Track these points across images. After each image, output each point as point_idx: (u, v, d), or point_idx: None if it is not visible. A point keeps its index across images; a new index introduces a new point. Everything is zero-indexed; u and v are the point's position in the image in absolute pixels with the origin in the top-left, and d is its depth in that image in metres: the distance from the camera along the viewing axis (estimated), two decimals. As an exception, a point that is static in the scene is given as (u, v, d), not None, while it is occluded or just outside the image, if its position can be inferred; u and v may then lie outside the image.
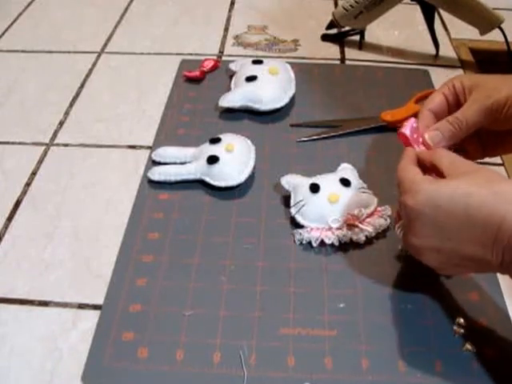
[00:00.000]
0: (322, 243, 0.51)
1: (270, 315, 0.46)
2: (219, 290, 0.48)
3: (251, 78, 0.66)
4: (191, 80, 0.72)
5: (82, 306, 0.48)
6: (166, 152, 0.60)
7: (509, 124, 0.46)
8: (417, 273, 0.49)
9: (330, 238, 0.51)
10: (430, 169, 0.44)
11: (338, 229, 0.51)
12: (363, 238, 0.51)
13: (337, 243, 0.51)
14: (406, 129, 0.46)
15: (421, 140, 0.46)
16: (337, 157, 0.60)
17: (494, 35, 0.74)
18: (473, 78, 0.48)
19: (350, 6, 0.75)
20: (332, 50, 0.80)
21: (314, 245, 0.51)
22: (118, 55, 0.79)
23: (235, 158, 0.57)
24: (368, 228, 0.50)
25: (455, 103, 0.47)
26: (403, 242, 0.44)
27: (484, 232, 0.37)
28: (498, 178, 0.39)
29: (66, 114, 0.68)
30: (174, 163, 0.59)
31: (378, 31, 0.83)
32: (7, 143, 0.64)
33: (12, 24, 0.87)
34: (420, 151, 0.45)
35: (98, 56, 0.79)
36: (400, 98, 0.66)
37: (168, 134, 0.64)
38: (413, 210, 0.40)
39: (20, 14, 0.89)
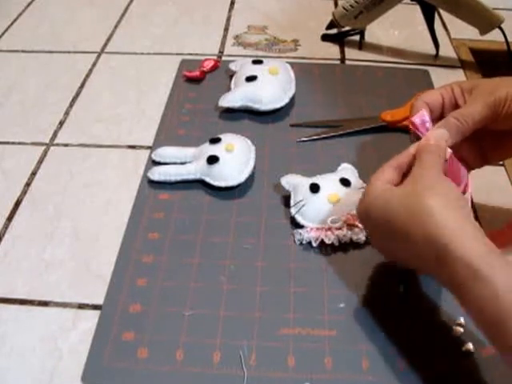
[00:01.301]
0: (322, 243, 0.51)
1: (270, 315, 0.46)
2: (219, 290, 0.48)
3: (251, 78, 0.66)
4: (191, 80, 0.72)
5: (81, 306, 0.48)
6: (166, 152, 0.60)
7: (509, 122, 0.46)
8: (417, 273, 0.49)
9: (330, 238, 0.51)
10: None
11: (337, 229, 0.51)
12: (363, 238, 0.51)
13: (337, 243, 0.51)
14: (416, 118, 0.46)
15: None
16: (337, 157, 0.60)
17: (494, 35, 0.74)
18: (471, 81, 0.49)
19: (350, 5, 0.75)
20: (332, 50, 0.80)
21: (314, 245, 0.51)
22: (118, 55, 0.79)
23: (235, 157, 0.57)
24: None
25: (451, 105, 0.48)
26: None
27: (407, 240, 0.39)
28: (431, 192, 0.39)
29: (66, 114, 0.68)
30: (174, 163, 0.59)
31: (378, 31, 0.83)
32: (7, 143, 0.64)
33: (12, 24, 0.87)
34: (409, 153, 0.45)
35: (98, 56, 0.79)
36: (400, 98, 0.66)
37: (168, 134, 0.64)
38: (357, 209, 0.45)
39: (20, 14, 0.89)
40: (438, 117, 0.48)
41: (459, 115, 0.45)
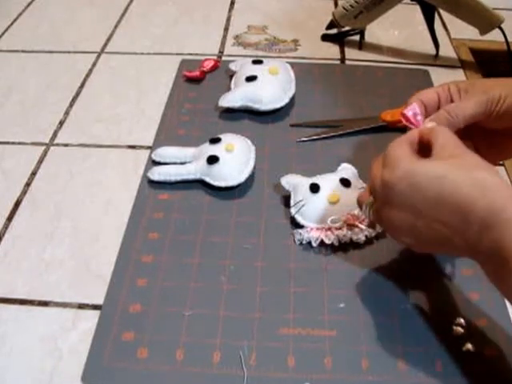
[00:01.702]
0: (322, 243, 0.51)
1: (270, 315, 0.46)
2: (219, 290, 0.48)
3: (251, 78, 0.66)
4: (191, 80, 0.72)
5: (81, 306, 0.48)
6: (166, 152, 0.60)
7: (501, 122, 0.46)
8: (417, 273, 0.49)
9: (330, 238, 0.51)
10: (428, 148, 0.43)
11: (337, 229, 0.51)
12: (363, 238, 0.51)
13: (337, 243, 0.51)
14: (409, 111, 0.46)
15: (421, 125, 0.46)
16: (337, 157, 0.60)
17: (494, 35, 0.74)
18: (469, 81, 0.49)
19: (350, 6, 0.75)
20: (332, 50, 0.80)
21: (314, 245, 0.51)
22: (118, 55, 0.79)
23: (235, 157, 0.57)
24: (368, 228, 0.50)
25: (447, 104, 0.48)
26: (375, 219, 0.44)
27: (453, 215, 0.37)
28: (481, 165, 0.39)
29: (66, 113, 0.68)
30: (174, 163, 0.59)
31: (378, 31, 0.83)
32: (7, 143, 0.64)
33: (12, 24, 0.87)
34: (422, 128, 0.45)
35: (98, 56, 0.79)
36: (400, 98, 0.65)
37: (168, 134, 0.64)
38: (388, 184, 0.40)
39: (20, 14, 0.89)
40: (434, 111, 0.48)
41: (450, 109, 0.46)
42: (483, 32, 0.74)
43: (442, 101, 0.48)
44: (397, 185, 0.40)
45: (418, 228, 0.40)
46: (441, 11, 0.84)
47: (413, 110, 0.46)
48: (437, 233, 0.39)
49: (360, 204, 0.46)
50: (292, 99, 0.67)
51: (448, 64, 0.77)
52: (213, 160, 0.56)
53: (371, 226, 0.50)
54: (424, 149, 0.43)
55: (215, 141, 0.59)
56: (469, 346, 0.43)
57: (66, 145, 0.64)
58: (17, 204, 0.57)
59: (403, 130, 0.64)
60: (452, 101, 0.48)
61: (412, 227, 0.41)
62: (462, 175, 0.38)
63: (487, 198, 0.36)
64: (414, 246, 0.43)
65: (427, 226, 0.39)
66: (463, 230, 0.37)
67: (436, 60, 0.78)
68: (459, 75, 0.74)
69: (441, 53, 0.78)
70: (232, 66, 0.72)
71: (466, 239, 0.37)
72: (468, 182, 0.37)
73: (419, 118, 0.46)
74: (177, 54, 0.79)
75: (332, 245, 0.51)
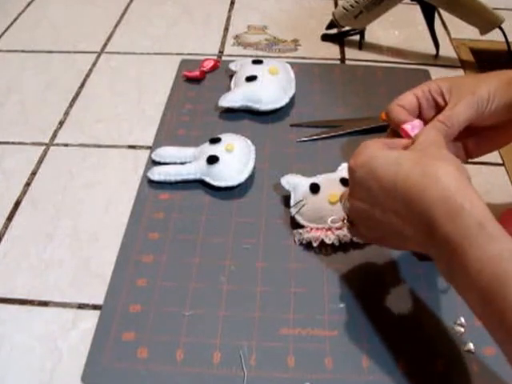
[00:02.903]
0: (322, 243, 0.51)
1: (270, 315, 0.46)
2: (219, 290, 0.48)
3: (251, 78, 0.66)
4: (191, 80, 0.72)
5: (81, 306, 0.48)
6: (166, 152, 0.60)
7: (491, 118, 0.46)
8: (417, 273, 0.49)
9: (330, 238, 0.51)
10: None
11: (337, 229, 0.51)
12: (363, 238, 0.51)
13: (337, 243, 0.51)
14: (408, 125, 0.45)
15: None
16: (337, 157, 0.60)
17: (494, 35, 0.74)
18: (448, 79, 0.48)
19: (350, 5, 0.75)
20: (332, 50, 0.80)
21: (314, 245, 0.51)
22: (118, 55, 0.79)
23: (235, 157, 0.57)
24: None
25: (430, 105, 0.47)
26: (346, 211, 0.44)
27: (402, 203, 0.37)
28: (441, 157, 0.38)
29: (66, 114, 0.68)
30: (174, 163, 0.59)
31: (378, 31, 0.83)
32: (7, 143, 0.64)
33: (12, 24, 0.87)
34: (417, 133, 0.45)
35: (98, 56, 0.79)
36: (400, 98, 0.66)
37: (168, 134, 0.64)
38: (350, 170, 0.42)
39: (20, 14, 0.89)
40: (416, 118, 0.48)
41: (445, 119, 0.45)
42: (483, 32, 0.74)
43: (423, 102, 0.47)
44: (356, 171, 0.41)
45: (374, 218, 0.40)
46: (441, 11, 0.84)
47: (414, 126, 0.46)
48: (390, 223, 0.39)
49: (341, 199, 0.46)
50: (292, 99, 0.67)
51: (448, 64, 0.77)
52: (213, 160, 0.56)
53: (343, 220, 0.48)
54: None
55: (215, 141, 0.58)
56: (470, 345, 0.43)
57: (65, 145, 0.64)
58: (17, 204, 0.57)
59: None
60: (435, 102, 0.47)
61: (369, 217, 0.41)
62: (416, 164, 0.38)
63: (436, 188, 0.36)
64: (369, 238, 0.44)
65: (381, 215, 0.40)
66: (411, 220, 0.37)
67: (436, 60, 0.78)
68: (459, 75, 0.74)
69: (441, 53, 0.78)
70: (232, 66, 0.72)
71: (415, 230, 0.37)
72: (419, 171, 0.37)
73: (416, 131, 0.45)
74: (177, 54, 0.79)
75: (332, 245, 0.51)
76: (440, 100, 0.47)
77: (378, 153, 0.40)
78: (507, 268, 0.33)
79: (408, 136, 0.45)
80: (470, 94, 0.45)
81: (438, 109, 0.47)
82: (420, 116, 0.47)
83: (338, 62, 0.78)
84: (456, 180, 0.36)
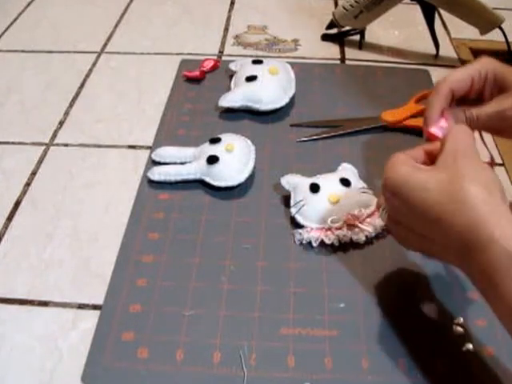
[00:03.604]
0: (322, 243, 0.51)
1: (270, 315, 0.46)
2: (219, 290, 0.48)
3: (251, 78, 0.66)
4: (191, 80, 0.72)
5: (81, 306, 0.48)
6: (166, 152, 0.60)
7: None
8: (417, 272, 0.49)
9: (330, 238, 0.51)
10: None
11: (337, 229, 0.51)
12: (363, 238, 0.51)
13: (337, 243, 0.51)
14: (436, 129, 0.44)
15: None
16: (337, 157, 0.60)
17: (494, 35, 0.74)
18: (506, 72, 0.45)
19: (350, 5, 0.75)
20: (332, 50, 0.80)
21: (314, 245, 0.51)
22: (118, 55, 0.79)
23: (235, 157, 0.57)
24: (368, 228, 0.50)
25: (478, 89, 0.45)
26: (387, 222, 0.44)
27: (438, 232, 0.37)
28: (471, 176, 0.37)
29: (66, 114, 0.68)
30: (174, 163, 0.59)
31: (378, 31, 0.83)
32: (7, 143, 0.64)
33: (12, 24, 0.87)
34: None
35: (98, 56, 0.79)
36: (400, 98, 0.66)
37: (168, 134, 0.64)
38: (383, 189, 0.41)
39: (20, 14, 0.89)
40: (459, 98, 0.45)
41: (469, 115, 0.44)
42: (483, 32, 0.74)
43: (474, 86, 0.44)
44: (388, 194, 0.40)
45: (411, 238, 0.40)
46: (441, 11, 0.84)
47: (439, 128, 0.44)
48: (426, 244, 0.39)
49: (378, 207, 0.46)
50: (292, 99, 0.67)
51: (448, 64, 0.77)
52: (213, 160, 0.56)
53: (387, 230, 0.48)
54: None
55: (215, 141, 0.58)
56: (469, 345, 0.43)
57: (65, 145, 0.64)
58: (17, 204, 0.57)
59: (403, 130, 0.65)
60: (484, 90, 0.44)
61: (407, 236, 0.41)
62: (443, 190, 0.36)
63: (465, 214, 0.35)
64: (419, 251, 0.43)
65: (418, 240, 0.39)
66: (446, 245, 0.37)
67: (436, 60, 0.78)
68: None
69: (441, 53, 0.78)
70: (232, 66, 0.72)
71: (450, 254, 0.37)
72: (447, 196, 0.36)
73: (443, 132, 0.44)
74: (177, 54, 0.79)
75: (332, 245, 0.51)
76: (487, 92, 0.44)
77: (407, 177, 0.39)
78: None
79: (435, 138, 0.44)
80: (503, 109, 0.43)
81: (483, 93, 0.45)
82: (468, 94, 0.45)
83: (338, 61, 0.78)
84: (485, 203, 0.35)
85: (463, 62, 0.77)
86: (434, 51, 0.78)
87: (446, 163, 0.38)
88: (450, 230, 0.36)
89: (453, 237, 0.36)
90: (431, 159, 0.41)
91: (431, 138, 0.46)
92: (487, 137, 0.49)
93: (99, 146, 0.64)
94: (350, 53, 0.79)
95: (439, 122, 0.45)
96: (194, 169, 0.57)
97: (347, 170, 0.56)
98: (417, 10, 0.76)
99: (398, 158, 0.41)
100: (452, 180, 0.37)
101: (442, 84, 0.45)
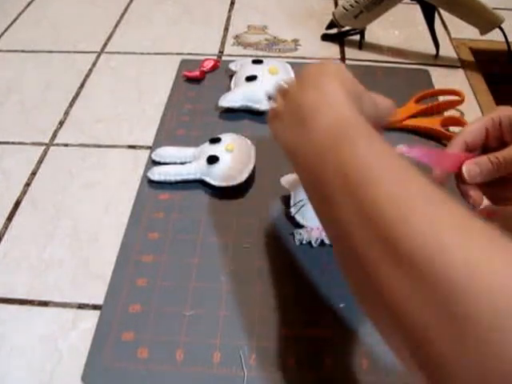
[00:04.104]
0: (322, 243, 0.51)
1: (270, 315, 0.46)
2: (219, 290, 0.48)
3: (251, 78, 0.66)
4: (191, 80, 0.72)
5: (81, 306, 0.48)
6: (166, 152, 0.60)
7: None
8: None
9: (330, 238, 0.50)
10: None
11: (338, 229, 0.51)
12: (363, 238, 0.50)
13: (337, 243, 0.51)
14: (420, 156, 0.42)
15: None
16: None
17: (494, 35, 0.74)
18: None
19: (350, 5, 0.75)
20: (332, 50, 0.80)
21: (314, 245, 0.51)
22: (118, 55, 0.79)
23: (235, 157, 0.57)
24: None
25: (496, 136, 0.44)
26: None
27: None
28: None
29: (66, 113, 0.68)
30: (174, 163, 0.59)
31: (378, 31, 0.83)
32: (7, 143, 0.64)
33: (12, 24, 0.87)
34: None
35: (98, 56, 0.79)
36: (400, 98, 0.66)
37: (168, 134, 0.64)
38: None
39: (20, 14, 0.89)
40: (478, 148, 0.45)
41: (494, 160, 0.42)
42: (483, 32, 0.74)
43: (490, 135, 0.44)
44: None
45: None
46: (441, 11, 0.84)
47: (408, 152, 0.42)
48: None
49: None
50: (292, 99, 0.67)
51: (448, 64, 0.77)
52: (213, 160, 0.56)
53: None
54: None
55: (215, 141, 0.58)
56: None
57: (65, 145, 0.64)
58: (17, 204, 0.57)
59: (403, 130, 0.65)
60: (502, 136, 0.43)
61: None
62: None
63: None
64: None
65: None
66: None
67: (436, 60, 0.78)
68: (459, 75, 0.74)
69: (441, 53, 0.78)
70: (232, 66, 0.72)
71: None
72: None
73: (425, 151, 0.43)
74: (177, 54, 0.79)
75: (332, 245, 0.51)
76: (507, 136, 0.43)
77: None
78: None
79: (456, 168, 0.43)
80: None
81: (502, 140, 0.44)
82: (486, 144, 0.44)
83: (338, 61, 0.78)
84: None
85: (463, 62, 0.77)
86: (434, 51, 0.78)
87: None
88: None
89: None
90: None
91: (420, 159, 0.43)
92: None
93: (99, 146, 0.64)
94: (350, 53, 0.79)
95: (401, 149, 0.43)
96: (194, 169, 0.57)
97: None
98: (417, 10, 0.76)
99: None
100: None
101: (456, 136, 0.45)
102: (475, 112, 0.68)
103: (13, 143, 0.64)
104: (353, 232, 0.30)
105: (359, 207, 0.29)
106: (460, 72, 0.75)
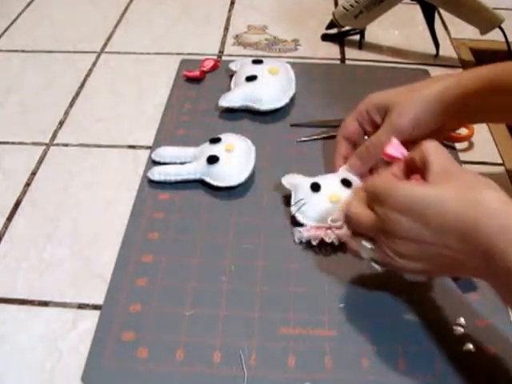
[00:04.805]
0: (322, 242, 0.51)
1: (270, 315, 0.46)
2: (219, 290, 0.48)
3: (251, 78, 0.66)
4: (191, 80, 0.72)
5: (82, 306, 0.48)
6: (166, 152, 0.60)
7: (421, 139, 0.43)
8: (417, 273, 0.49)
9: (331, 237, 0.50)
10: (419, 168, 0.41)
11: (338, 228, 0.51)
12: (363, 238, 0.50)
13: (337, 242, 0.51)
14: (392, 149, 0.44)
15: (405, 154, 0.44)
16: (337, 157, 0.60)
17: (494, 35, 0.74)
18: (383, 98, 0.52)
19: (350, 5, 0.75)
20: (332, 50, 0.80)
21: (314, 244, 0.51)
22: (118, 55, 0.79)
23: (235, 157, 0.57)
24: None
25: (369, 121, 0.53)
26: (381, 257, 0.41)
27: (457, 240, 0.36)
28: (478, 183, 0.37)
29: (66, 114, 0.68)
30: (174, 163, 0.59)
31: (378, 31, 0.83)
32: (7, 143, 0.64)
33: (12, 23, 0.87)
34: (408, 156, 0.43)
35: (98, 56, 0.79)
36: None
37: (168, 134, 0.64)
38: (385, 218, 0.39)
39: (20, 14, 0.89)
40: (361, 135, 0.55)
41: (369, 144, 0.52)
42: (483, 32, 0.74)
43: (366, 126, 0.52)
44: (393, 215, 0.38)
45: (429, 255, 0.39)
46: (441, 11, 0.84)
47: (395, 147, 0.44)
48: (450, 258, 0.38)
49: (355, 254, 0.44)
50: (292, 99, 0.67)
51: (448, 64, 0.77)
52: (213, 160, 0.56)
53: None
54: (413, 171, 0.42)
55: (215, 141, 0.58)
56: (469, 345, 0.43)
57: (65, 145, 0.64)
58: (17, 204, 0.57)
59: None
60: (373, 123, 0.52)
61: (423, 254, 0.39)
62: (459, 199, 0.36)
63: (490, 217, 0.35)
64: (430, 272, 0.42)
65: (438, 253, 0.38)
66: (466, 252, 0.36)
67: (436, 60, 0.78)
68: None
69: (441, 52, 0.78)
70: (232, 66, 0.72)
71: (471, 261, 0.37)
72: (465, 204, 0.36)
73: (403, 151, 0.44)
74: (177, 54, 0.79)
75: (332, 244, 0.51)
76: (377, 119, 0.52)
77: (412, 191, 0.38)
78: None
79: (394, 159, 0.43)
80: (394, 126, 0.50)
81: (377, 126, 0.52)
82: (366, 134, 0.54)
83: (338, 61, 0.78)
84: (505, 204, 0.36)
85: (463, 62, 0.77)
86: (434, 51, 0.78)
87: (443, 171, 0.39)
88: (475, 236, 0.36)
89: (478, 243, 0.35)
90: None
91: (391, 160, 0.44)
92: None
93: (99, 146, 0.64)
94: (350, 53, 0.79)
95: (394, 143, 0.45)
96: (194, 169, 0.57)
97: (348, 170, 0.56)
98: (417, 10, 0.76)
99: (386, 179, 0.41)
100: (463, 187, 0.37)
101: (338, 133, 0.55)
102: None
103: (13, 143, 0.64)
104: None
105: None
106: (460, 72, 0.75)
